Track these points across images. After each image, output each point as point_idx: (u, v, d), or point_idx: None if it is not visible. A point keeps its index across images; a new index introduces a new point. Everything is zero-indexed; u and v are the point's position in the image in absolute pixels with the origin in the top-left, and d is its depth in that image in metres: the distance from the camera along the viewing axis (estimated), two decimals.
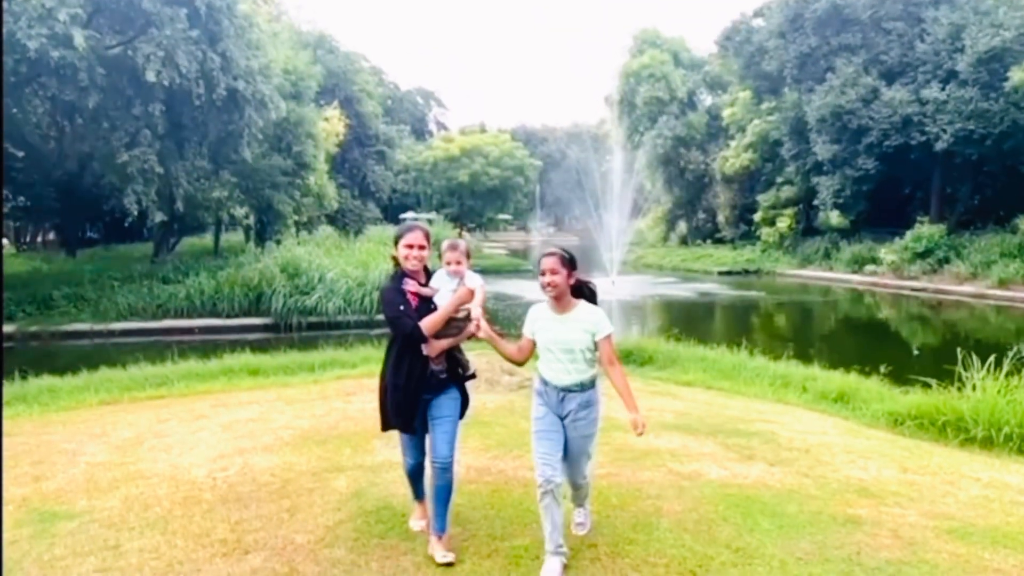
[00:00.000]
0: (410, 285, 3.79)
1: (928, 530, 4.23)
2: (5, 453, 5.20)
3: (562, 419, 3.72)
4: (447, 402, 3.92)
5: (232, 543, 4.01)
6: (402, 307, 3.71)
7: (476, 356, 6.53)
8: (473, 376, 4.07)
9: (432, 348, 3.79)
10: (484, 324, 3.70)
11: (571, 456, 3.77)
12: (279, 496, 4.70)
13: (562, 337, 3.70)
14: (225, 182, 22.95)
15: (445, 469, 3.82)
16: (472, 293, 3.81)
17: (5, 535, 4.02)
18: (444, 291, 3.84)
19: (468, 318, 3.80)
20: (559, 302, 3.72)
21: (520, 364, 3.89)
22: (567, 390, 3.70)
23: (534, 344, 3.80)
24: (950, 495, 4.89)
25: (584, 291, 3.82)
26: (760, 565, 3.73)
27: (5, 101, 14.85)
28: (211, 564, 3.78)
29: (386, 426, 4.02)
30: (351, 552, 3.90)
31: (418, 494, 4.17)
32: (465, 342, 4.00)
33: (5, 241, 32.14)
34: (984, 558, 3.87)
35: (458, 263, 3.86)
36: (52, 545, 4.02)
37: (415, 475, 4.12)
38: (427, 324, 3.71)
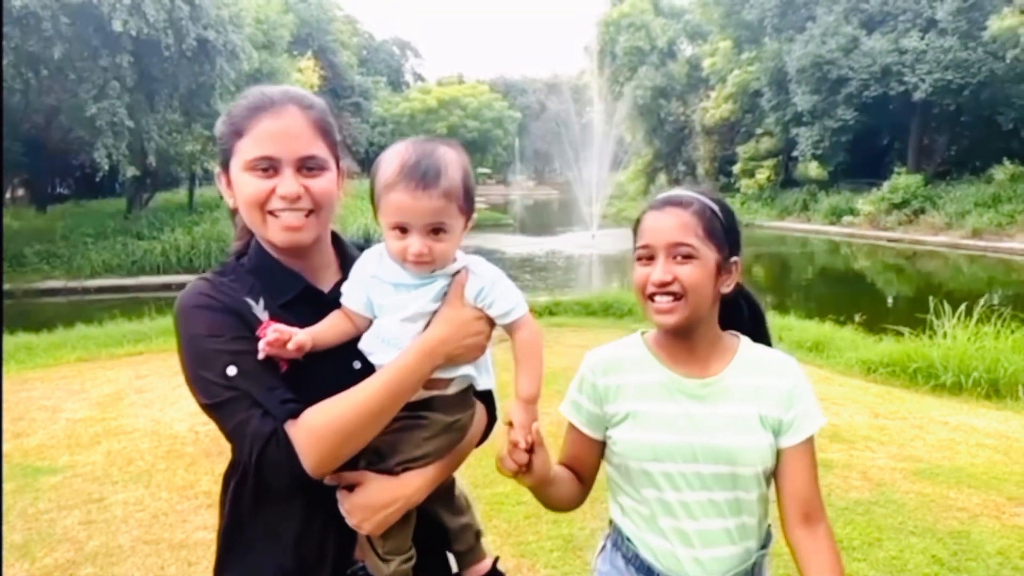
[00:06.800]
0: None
1: (896, 471, 4.36)
2: None
3: None
4: None
5: (216, 495, 4.04)
6: (232, 368, 1.21)
7: None
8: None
9: (354, 504, 1.30)
10: (542, 454, 1.32)
11: None
12: None
13: (700, 442, 1.45)
14: (198, 135, 22.46)
15: None
16: (489, 327, 1.33)
17: None
18: (392, 316, 1.29)
19: (469, 404, 1.40)
20: (687, 339, 1.49)
21: (574, 508, 1.61)
22: None
23: (600, 458, 1.56)
24: (918, 438, 5.04)
25: (742, 311, 1.62)
26: None
27: None
28: (196, 515, 3.82)
29: None
30: None
31: None
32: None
33: None
34: (949, 497, 4.01)
35: (435, 232, 1.26)
36: (36, 499, 4.04)
37: None
38: (334, 416, 1.21)
